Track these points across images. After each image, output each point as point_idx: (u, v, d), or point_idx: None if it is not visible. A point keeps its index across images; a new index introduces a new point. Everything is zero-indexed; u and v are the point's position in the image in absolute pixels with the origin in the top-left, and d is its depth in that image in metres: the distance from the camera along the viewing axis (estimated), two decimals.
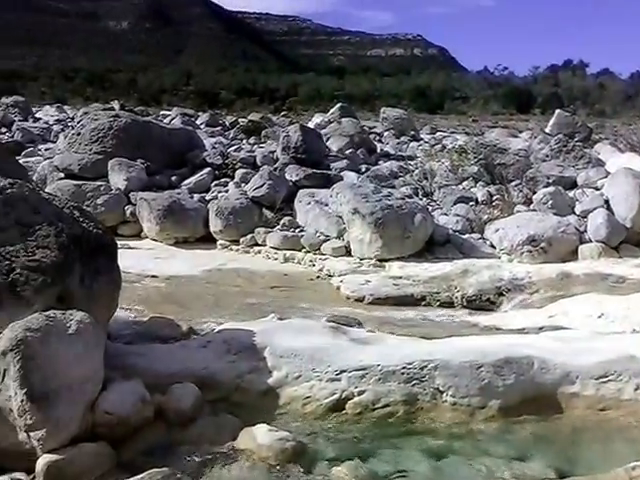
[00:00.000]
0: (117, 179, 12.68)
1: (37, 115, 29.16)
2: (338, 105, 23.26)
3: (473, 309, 8.29)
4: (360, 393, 4.88)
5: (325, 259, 10.23)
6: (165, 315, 6.78)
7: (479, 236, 10.64)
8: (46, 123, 25.41)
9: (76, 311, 4.37)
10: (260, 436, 4.24)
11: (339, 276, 9.35)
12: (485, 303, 8.42)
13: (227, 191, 12.85)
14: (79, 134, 14.04)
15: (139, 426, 4.29)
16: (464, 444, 4.55)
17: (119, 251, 5.56)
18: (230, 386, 4.93)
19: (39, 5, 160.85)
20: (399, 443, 4.54)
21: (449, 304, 8.42)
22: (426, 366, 5.01)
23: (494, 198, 12.00)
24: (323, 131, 17.36)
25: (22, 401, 3.85)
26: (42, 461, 3.80)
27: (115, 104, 28.69)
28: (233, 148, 16.62)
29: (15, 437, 3.93)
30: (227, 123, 25.58)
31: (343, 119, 19.47)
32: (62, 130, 21.74)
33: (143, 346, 5.52)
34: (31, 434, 3.87)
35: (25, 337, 3.98)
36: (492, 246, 10.32)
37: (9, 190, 4.91)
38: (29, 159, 15.94)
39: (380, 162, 16.09)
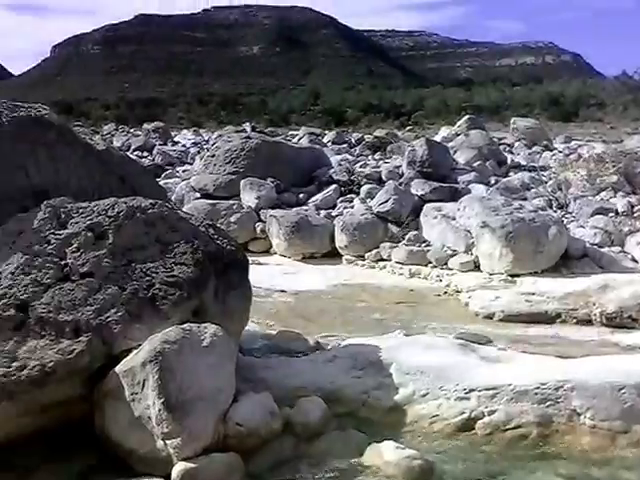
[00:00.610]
0: (248, 197, 13.18)
1: (175, 139, 30.92)
2: (466, 117, 22.88)
3: (613, 327, 7.80)
4: (490, 413, 4.73)
5: (452, 274, 10.02)
6: (293, 329, 6.93)
7: (619, 249, 10.02)
8: (183, 146, 26.90)
9: (210, 324, 4.58)
10: (387, 453, 4.22)
11: (467, 292, 9.12)
12: (627, 321, 7.89)
13: (353, 207, 12.97)
14: (214, 156, 14.77)
15: (268, 438, 4.39)
16: (603, 472, 4.27)
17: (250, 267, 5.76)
18: (356, 401, 4.95)
19: (177, 36, 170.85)
20: (531, 467, 4.35)
21: (587, 322, 7.97)
22: (562, 386, 4.78)
23: (635, 209, 11.29)
24: (450, 144, 17.11)
25: (160, 410, 4.07)
26: (177, 468, 3.98)
27: (247, 126, 29.90)
28: (359, 164, 16.78)
29: (153, 444, 4.15)
30: (353, 140, 25.86)
31: (471, 131, 19.08)
32: (198, 152, 22.91)
33: (272, 359, 5.67)
34: (167, 442, 4.07)
35: (163, 349, 4.21)
36: (634, 260, 9.68)
37: (150, 210, 5.24)
38: (168, 180, 16.88)
39: (511, 174, 15.60)
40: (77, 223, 5.08)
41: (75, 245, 4.93)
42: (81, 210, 5.19)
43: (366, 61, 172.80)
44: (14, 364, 4.34)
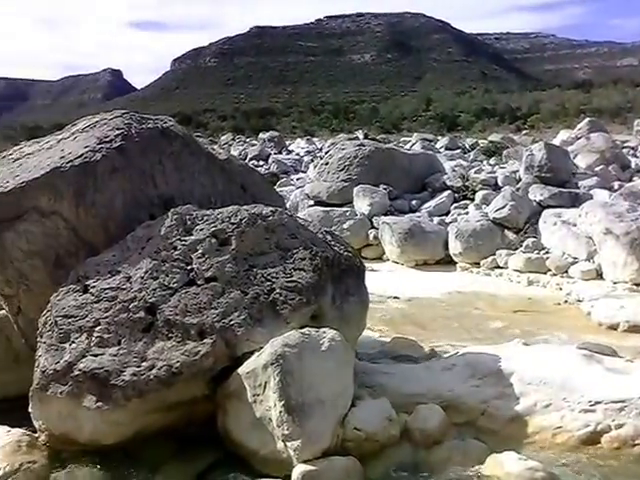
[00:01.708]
0: (361, 204, 13.24)
1: (290, 148, 31.52)
2: (586, 120, 21.88)
3: None
4: (618, 427, 4.49)
5: (573, 283, 9.62)
6: (407, 336, 6.89)
7: None
8: (297, 155, 27.39)
9: (329, 329, 4.63)
10: (508, 464, 4.10)
11: (589, 301, 8.71)
12: None
13: (467, 213, 12.73)
14: (327, 164, 14.96)
15: (385, 444, 4.38)
16: None
17: None
18: (476, 411, 4.84)
19: (291, 47, 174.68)
20: None
21: None
22: None
23: None
24: (570, 148, 16.44)
25: (280, 412, 4.15)
26: (298, 470, 4.04)
27: (359, 133, 30.04)
28: (473, 170, 16.44)
29: (274, 445, 4.24)
30: (467, 145, 25.41)
31: (592, 134, 18.24)
32: (311, 161, 23.28)
33: (389, 365, 5.65)
34: (287, 444, 4.14)
35: (284, 352, 4.30)
36: None
37: (270, 217, 5.38)
38: (283, 188, 17.24)
39: (635, 178, 14.79)
40: (202, 230, 5.29)
41: (200, 251, 5.14)
42: (205, 217, 5.40)
43: (479, 65, 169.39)
44: (143, 364, 4.58)
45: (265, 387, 4.29)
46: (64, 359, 4.64)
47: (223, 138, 39.47)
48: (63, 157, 5.58)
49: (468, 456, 4.33)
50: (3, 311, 5.91)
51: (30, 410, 4.74)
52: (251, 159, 24.94)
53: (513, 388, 4.91)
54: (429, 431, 4.50)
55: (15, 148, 6.43)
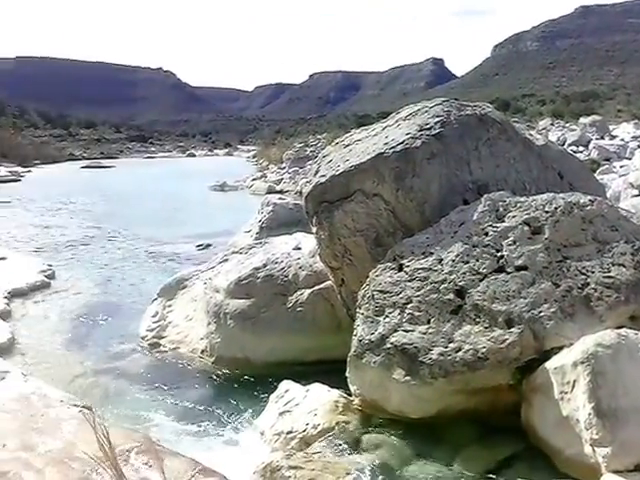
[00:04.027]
0: None
1: (613, 133, 29.17)
2: None
3: None
4: None
5: None
6: None
7: None
8: (622, 140, 25.24)
9: None
10: None
11: None
12: None
13: None
14: None
15: None
16: None
17: None
18: None
19: (619, 25, 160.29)
20: None
21: None
22: None
23: None
24: None
25: (589, 414, 3.95)
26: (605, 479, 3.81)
27: None
28: None
29: (580, 448, 4.05)
30: None
31: None
32: (638, 147, 21.29)
33: None
34: (596, 449, 3.92)
35: (596, 352, 4.07)
36: None
37: (588, 207, 5.10)
38: (603, 176, 16.10)
39: None
40: (514, 217, 5.23)
41: (511, 238, 5.09)
42: (519, 204, 5.32)
43: None
44: (450, 345, 4.72)
45: (574, 386, 4.12)
46: (378, 331, 5.00)
47: (541, 123, 37.95)
48: (386, 143, 5.96)
49: None
50: (329, 281, 6.56)
51: (347, 374, 5.22)
52: (570, 145, 23.72)
53: None
54: None
55: (346, 135, 7.03)
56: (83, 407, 4.87)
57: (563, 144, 23.04)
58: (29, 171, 45.61)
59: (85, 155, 70.49)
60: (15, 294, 9.94)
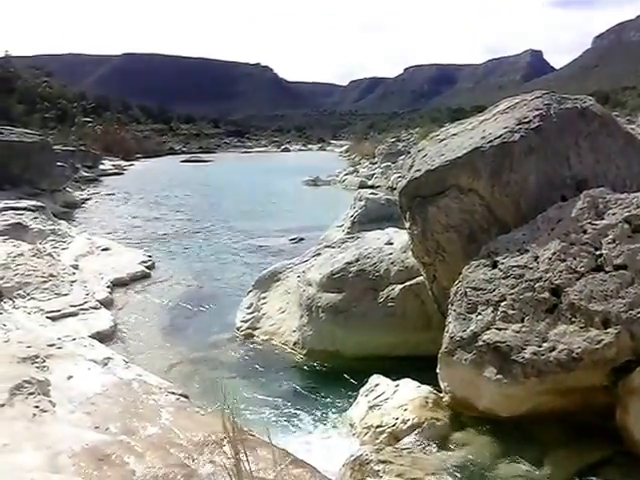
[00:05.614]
0: None
1: None
2: None
3: None
4: None
5: None
6: None
7: None
8: None
9: None
10: None
11: None
12: None
13: None
14: None
15: None
16: None
17: None
18: None
19: None
20: None
21: None
22: None
23: None
24: None
25: None
26: None
27: None
28: None
29: None
30: None
31: None
32: None
33: None
34: None
35: None
36: None
37: None
38: None
39: None
40: (614, 214, 5.05)
41: (611, 236, 4.92)
42: (619, 201, 5.13)
43: None
44: (544, 344, 4.62)
45: None
46: (470, 328, 4.96)
47: None
48: (483, 137, 5.88)
49: None
50: (421, 277, 6.56)
51: (438, 371, 5.21)
52: None
53: None
54: None
55: (442, 129, 6.98)
56: (180, 395, 5.11)
57: None
58: (132, 164, 47.68)
59: (184, 149, 73.04)
60: (117, 284, 10.47)
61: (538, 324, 4.74)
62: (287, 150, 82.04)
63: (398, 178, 9.94)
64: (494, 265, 5.22)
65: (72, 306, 8.50)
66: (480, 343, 4.84)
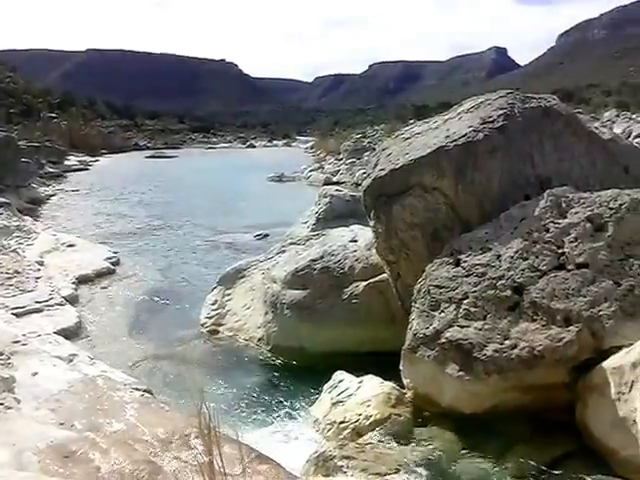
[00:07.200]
0: None
1: None
2: None
3: None
4: None
5: None
6: None
7: None
8: None
9: None
10: None
11: None
12: None
13: None
14: None
15: None
16: None
17: None
18: None
19: None
20: None
21: None
22: None
23: None
24: None
25: None
26: None
27: None
28: None
29: (637, 449, 3.96)
30: None
31: None
32: None
33: None
34: None
35: None
36: None
37: None
38: None
39: None
40: (577, 213, 5.14)
41: (573, 235, 5.00)
42: (582, 200, 5.22)
43: None
44: (506, 342, 4.68)
45: (632, 386, 4.04)
46: (433, 326, 5.00)
47: (606, 115, 36.84)
48: (448, 137, 5.92)
49: None
50: (385, 275, 6.59)
51: (401, 368, 5.24)
52: (635, 137, 22.92)
53: None
54: None
55: (406, 128, 7.01)
56: (144, 391, 5.06)
57: (628, 137, 22.32)
58: (97, 160, 46.98)
59: (149, 145, 72.21)
60: (82, 280, 10.34)
61: (500, 322, 4.79)
62: (252, 146, 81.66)
63: (363, 174, 10.00)
64: (457, 263, 5.27)
65: (37, 302, 8.39)
66: (443, 340, 4.88)
